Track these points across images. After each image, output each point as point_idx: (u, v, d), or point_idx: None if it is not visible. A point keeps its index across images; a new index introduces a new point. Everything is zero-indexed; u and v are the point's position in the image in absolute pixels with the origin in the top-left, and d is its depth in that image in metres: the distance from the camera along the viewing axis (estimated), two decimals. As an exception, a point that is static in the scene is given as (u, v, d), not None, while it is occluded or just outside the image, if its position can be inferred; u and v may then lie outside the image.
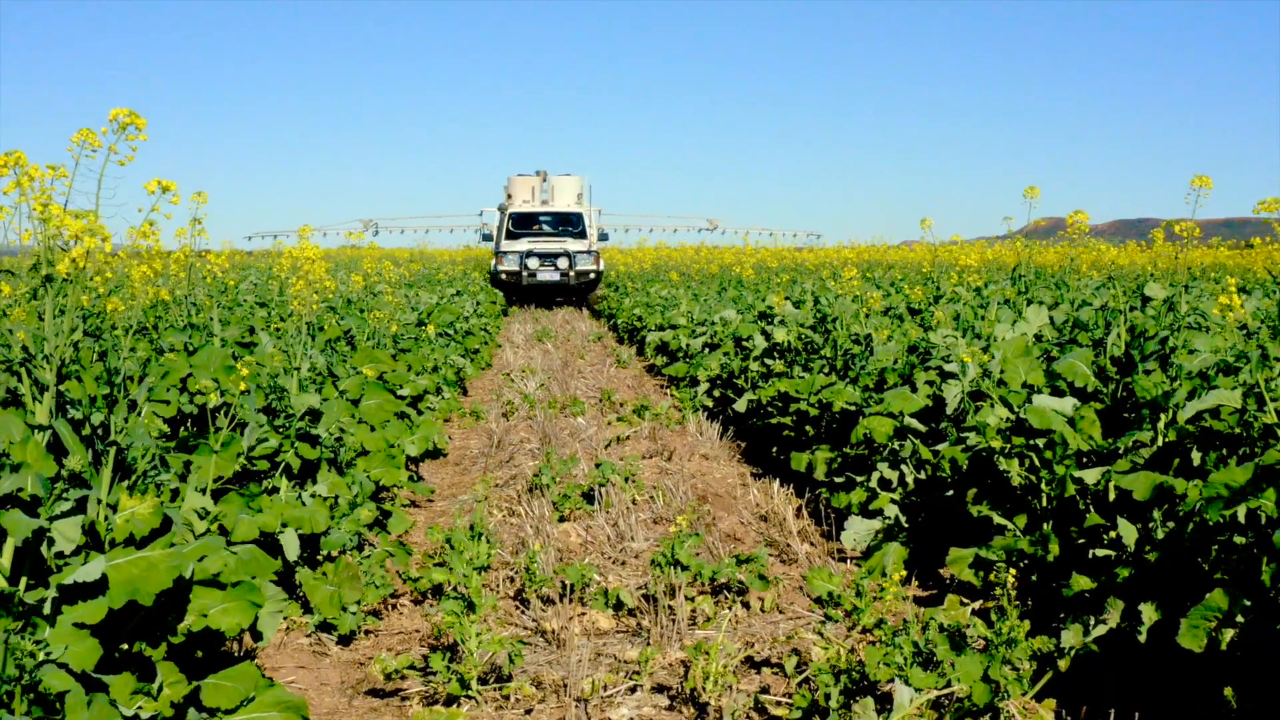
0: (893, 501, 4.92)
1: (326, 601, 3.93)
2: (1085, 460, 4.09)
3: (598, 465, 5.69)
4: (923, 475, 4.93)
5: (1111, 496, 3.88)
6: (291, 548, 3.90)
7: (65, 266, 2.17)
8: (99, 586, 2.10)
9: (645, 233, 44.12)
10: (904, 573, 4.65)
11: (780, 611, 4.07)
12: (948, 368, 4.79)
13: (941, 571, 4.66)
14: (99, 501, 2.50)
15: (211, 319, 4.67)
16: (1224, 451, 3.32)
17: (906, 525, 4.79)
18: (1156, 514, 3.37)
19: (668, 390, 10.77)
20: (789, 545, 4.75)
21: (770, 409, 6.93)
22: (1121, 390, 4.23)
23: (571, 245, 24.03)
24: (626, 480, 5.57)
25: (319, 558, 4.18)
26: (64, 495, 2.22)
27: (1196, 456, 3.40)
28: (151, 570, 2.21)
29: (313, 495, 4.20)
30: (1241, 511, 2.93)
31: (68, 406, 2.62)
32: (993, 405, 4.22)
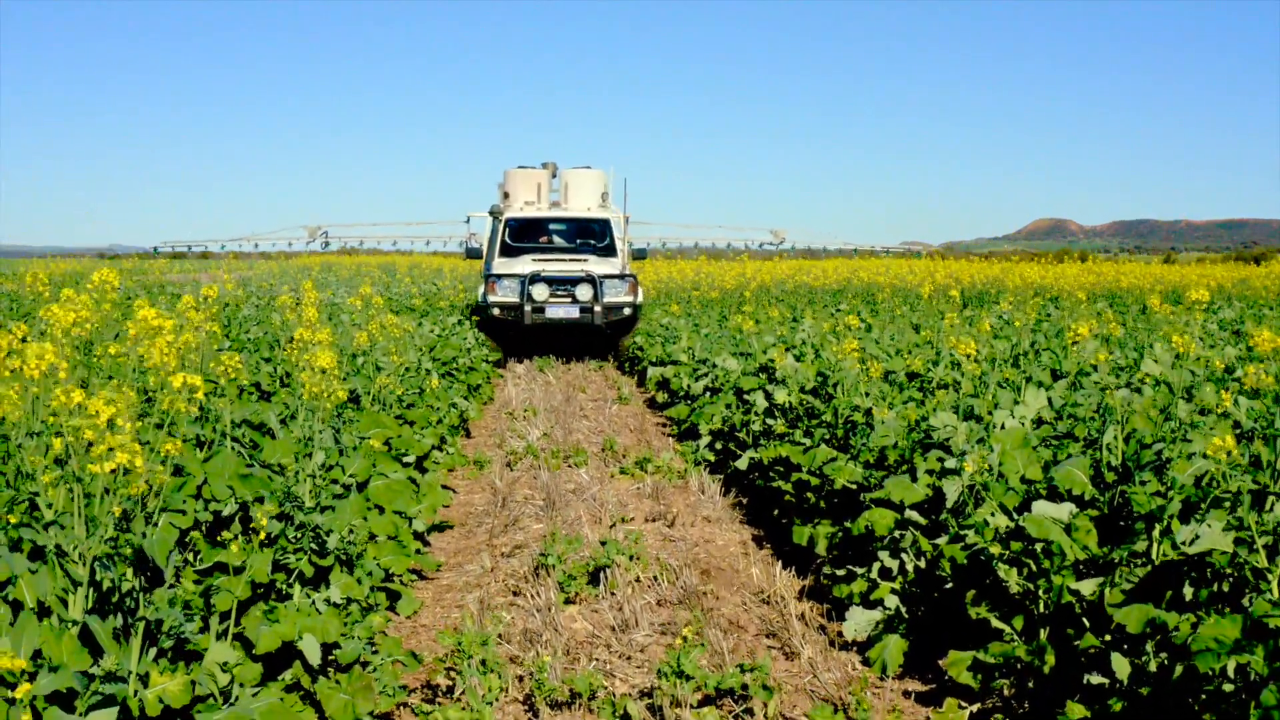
0: (893, 591, 5.01)
1: (340, 710, 4.01)
2: (1082, 569, 4.19)
3: (603, 543, 5.79)
4: (923, 564, 5.02)
5: (1108, 602, 3.97)
6: (313, 654, 3.99)
7: (98, 470, 2.26)
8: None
9: (689, 246, 39.15)
10: (902, 664, 4.77)
11: (784, 718, 4.16)
12: (948, 464, 4.88)
13: (941, 663, 4.75)
14: (130, 673, 2.59)
15: (222, 414, 4.76)
16: (1215, 588, 3.42)
17: (907, 616, 4.88)
18: (1149, 646, 3.46)
19: (668, 430, 10.87)
20: (790, 639, 4.84)
21: (772, 473, 7.02)
22: (1118, 497, 4.33)
23: (595, 266, 16.14)
24: (631, 559, 5.66)
25: (330, 658, 4.27)
26: (99, 691, 2.31)
27: (1189, 591, 3.49)
28: (183, 764, 2.30)
29: (325, 600, 4.29)
30: (1231, 665, 3.03)
31: (97, 570, 2.71)
32: (992, 514, 4.31)
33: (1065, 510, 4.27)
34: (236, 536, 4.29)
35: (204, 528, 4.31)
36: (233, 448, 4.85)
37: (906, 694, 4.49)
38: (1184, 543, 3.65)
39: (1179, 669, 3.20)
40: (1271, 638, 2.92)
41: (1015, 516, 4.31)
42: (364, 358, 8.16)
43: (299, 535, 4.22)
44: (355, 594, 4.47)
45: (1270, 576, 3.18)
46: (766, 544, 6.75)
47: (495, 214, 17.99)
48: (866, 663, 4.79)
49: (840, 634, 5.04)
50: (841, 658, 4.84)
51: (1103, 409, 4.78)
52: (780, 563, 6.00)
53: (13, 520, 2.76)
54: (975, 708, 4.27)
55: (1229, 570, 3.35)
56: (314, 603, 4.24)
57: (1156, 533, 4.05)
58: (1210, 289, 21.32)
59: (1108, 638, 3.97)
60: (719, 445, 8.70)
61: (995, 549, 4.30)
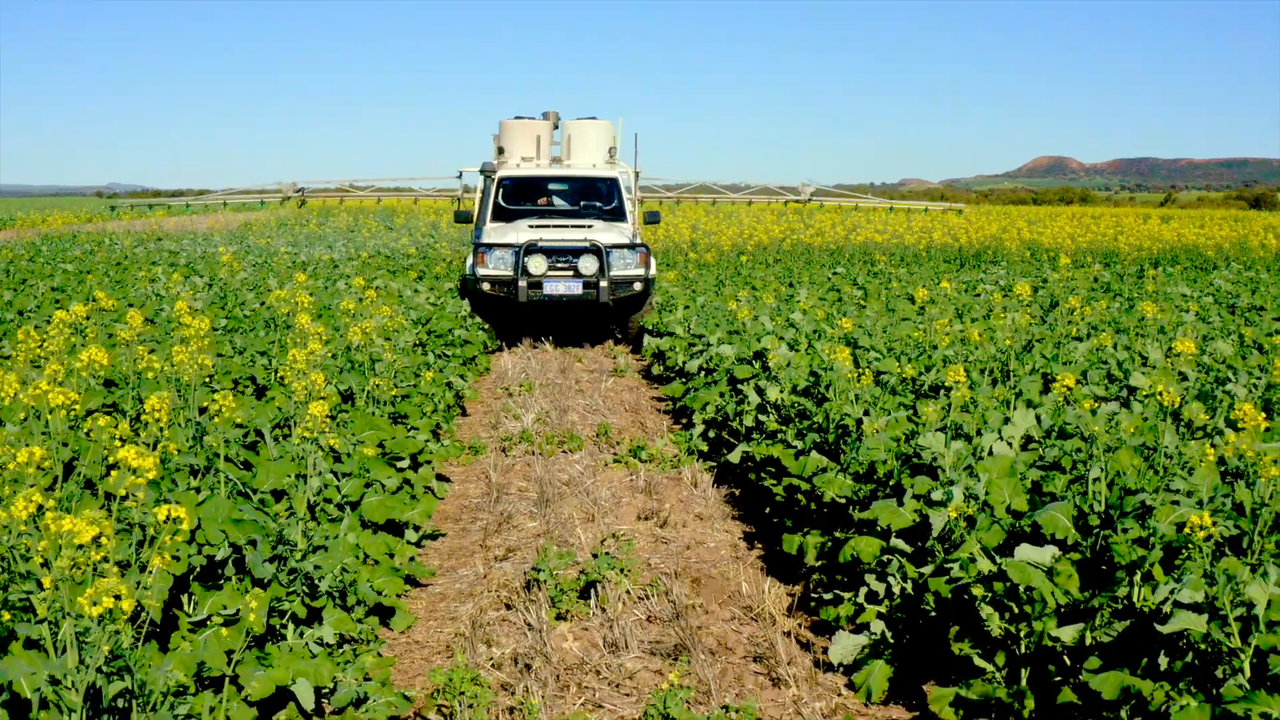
0: (879, 616, 5.09)
1: (334, 753, 4.12)
2: (1064, 613, 4.27)
3: (594, 555, 5.86)
4: (909, 588, 5.10)
5: (1086, 667, 4.05)
6: (306, 698, 4.08)
7: (88, 610, 2.30)
8: None
9: (707, 204, 36.24)
10: (887, 690, 4.87)
11: (769, 758, 4.26)
12: (934, 495, 4.93)
13: (926, 688, 4.85)
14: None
15: (214, 436, 4.79)
16: (1190, 659, 3.48)
17: (892, 642, 4.97)
18: (1124, 712, 3.54)
19: (664, 406, 10.93)
20: (777, 667, 4.93)
21: (764, 472, 7.09)
22: (1101, 541, 4.38)
23: (601, 234, 13.96)
24: (622, 572, 5.74)
25: (324, 702, 4.36)
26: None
27: (1164, 661, 3.56)
28: None
29: (318, 640, 4.36)
30: (1203, 750, 3.10)
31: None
32: (974, 560, 4.37)
33: (1048, 554, 4.33)
34: (230, 579, 4.35)
35: (199, 571, 4.37)
36: (224, 477, 4.90)
37: (889, 724, 4.59)
38: (1161, 604, 3.72)
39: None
40: (1241, 726, 3.00)
41: (998, 560, 4.37)
42: (359, 351, 8.17)
43: (292, 578, 4.28)
44: (349, 629, 4.55)
45: (1242, 656, 3.25)
46: (757, 543, 6.83)
47: (487, 172, 15.53)
48: (852, 686, 4.88)
49: (826, 650, 5.13)
50: (828, 681, 4.93)
51: (1090, 439, 4.81)
52: (770, 573, 6.09)
53: (6, 616, 2.81)
54: (957, 743, 4.36)
55: (1204, 646, 3.41)
56: (307, 643, 4.32)
57: (1138, 578, 4.13)
58: (1208, 256, 21.34)
59: (1084, 679, 4.06)
60: (712, 434, 8.76)
61: (978, 590, 4.36)
